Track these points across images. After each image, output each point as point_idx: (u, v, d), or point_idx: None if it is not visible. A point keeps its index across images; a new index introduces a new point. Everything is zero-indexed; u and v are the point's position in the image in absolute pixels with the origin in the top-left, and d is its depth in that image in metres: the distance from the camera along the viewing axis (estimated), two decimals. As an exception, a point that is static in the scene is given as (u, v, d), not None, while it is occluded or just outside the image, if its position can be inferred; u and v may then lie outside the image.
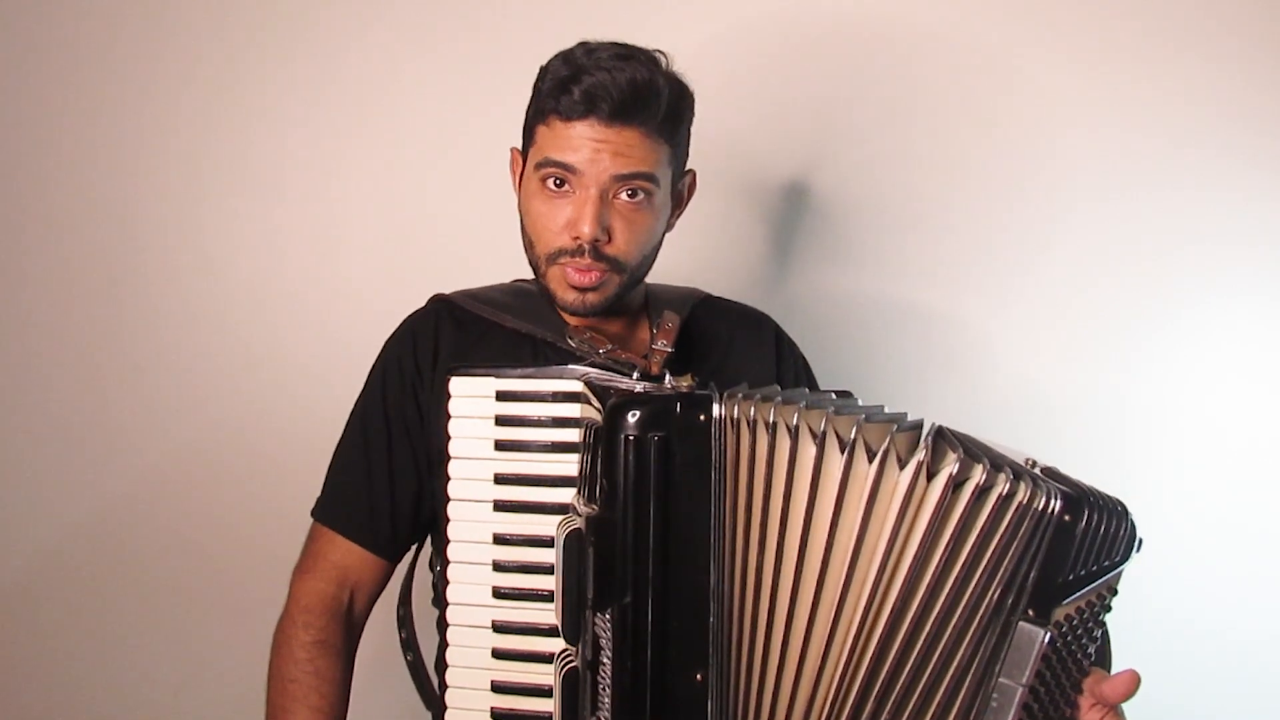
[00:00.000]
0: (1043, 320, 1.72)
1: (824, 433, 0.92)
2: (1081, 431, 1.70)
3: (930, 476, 0.91)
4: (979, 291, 1.74)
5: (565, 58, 1.17)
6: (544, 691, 1.04)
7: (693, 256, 1.53)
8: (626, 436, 0.93)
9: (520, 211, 1.24)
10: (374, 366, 1.28)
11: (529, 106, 1.22)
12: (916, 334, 1.75)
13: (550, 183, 1.17)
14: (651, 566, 0.93)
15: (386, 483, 1.22)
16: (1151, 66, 1.66)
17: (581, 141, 1.13)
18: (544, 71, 1.19)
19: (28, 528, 1.94)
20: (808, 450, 0.93)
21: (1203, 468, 1.68)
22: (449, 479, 1.09)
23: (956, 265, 1.74)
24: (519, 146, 1.26)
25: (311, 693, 1.16)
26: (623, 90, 1.11)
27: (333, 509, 1.25)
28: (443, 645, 1.11)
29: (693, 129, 1.25)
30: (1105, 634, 1.03)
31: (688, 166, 1.27)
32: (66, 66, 1.92)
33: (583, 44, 1.17)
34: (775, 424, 0.94)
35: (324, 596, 1.20)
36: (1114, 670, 0.98)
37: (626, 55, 1.15)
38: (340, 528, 1.23)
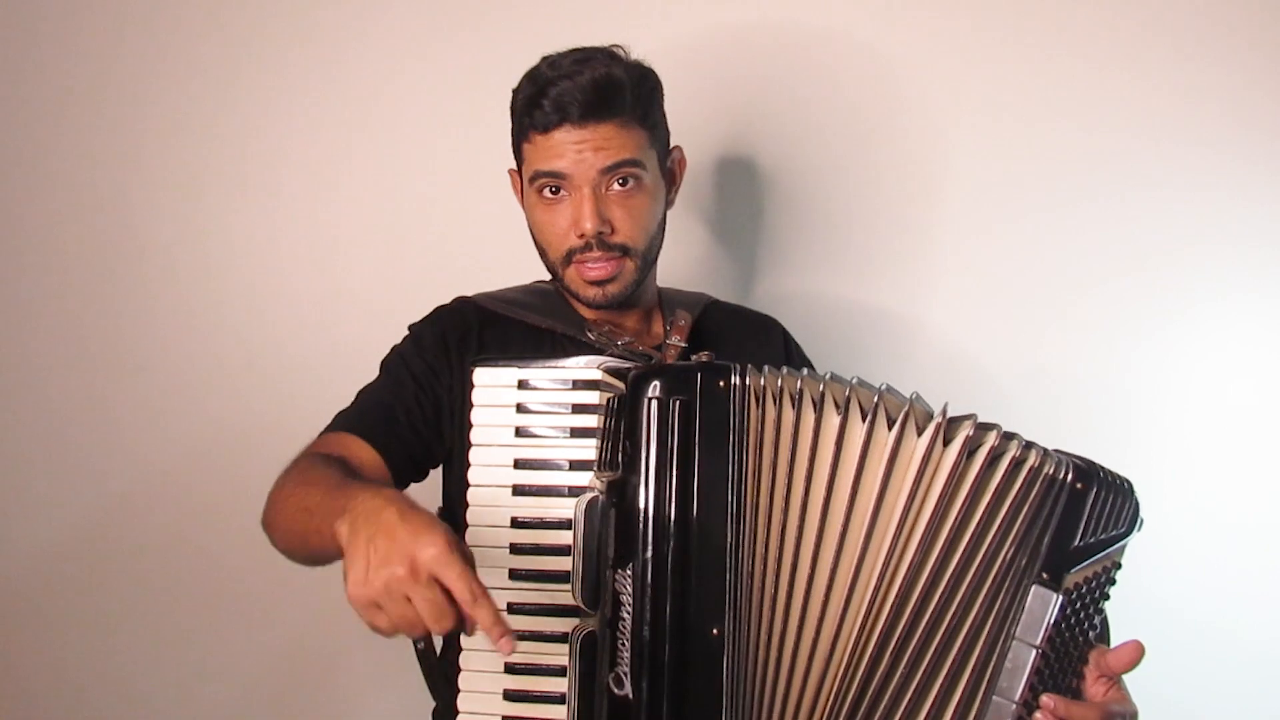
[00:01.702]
0: (1043, 320, 1.73)
1: (847, 401, 0.97)
2: (1082, 432, 1.70)
3: (947, 442, 0.97)
4: (977, 293, 1.74)
5: (531, 77, 1.23)
6: (557, 671, 1.05)
7: (672, 262, 1.54)
8: (649, 399, 0.97)
9: (529, 226, 1.30)
10: (418, 326, 1.30)
11: (511, 130, 1.28)
12: (912, 336, 1.76)
13: (546, 192, 1.23)
14: (672, 523, 0.96)
15: (406, 413, 1.23)
16: (1151, 66, 1.67)
17: (563, 148, 1.19)
18: (515, 94, 1.25)
19: (28, 528, 1.93)
20: (831, 419, 0.98)
21: (1203, 467, 1.67)
22: (470, 465, 1.11)
23: (952, 267, 1.74)
24: (515, 168, 1.31)
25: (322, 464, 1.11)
26: (586, 91, 1.17)
27: (349, 417, 1.24)
28: (452, 633, 1.11)
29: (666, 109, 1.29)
30: (1105, 622, 1.05)
31: (672, 144, 1.32)
32: (66, 66, 1.92)
33: (545, 58, 1.23)
34: (802, 392, 0.98)
35: (328, 447, 1.18)
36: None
37: (585, 58, 1.21)
38: (354, 429, 1.21)
